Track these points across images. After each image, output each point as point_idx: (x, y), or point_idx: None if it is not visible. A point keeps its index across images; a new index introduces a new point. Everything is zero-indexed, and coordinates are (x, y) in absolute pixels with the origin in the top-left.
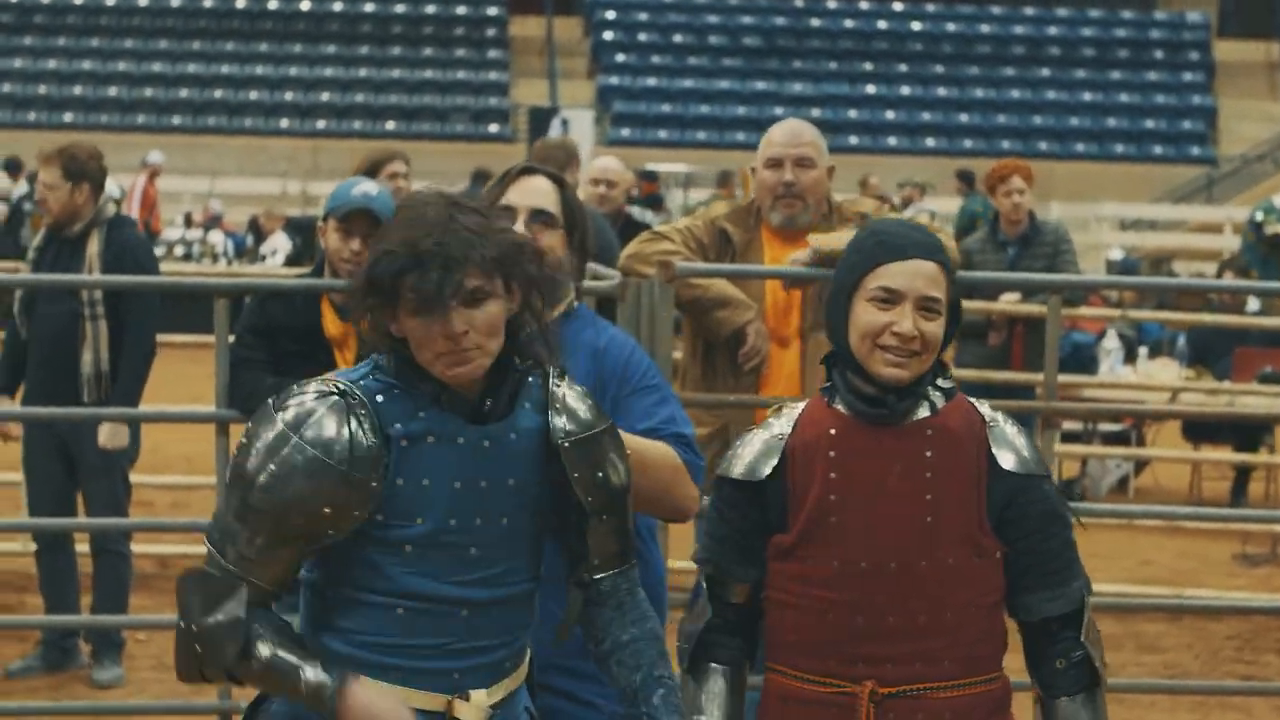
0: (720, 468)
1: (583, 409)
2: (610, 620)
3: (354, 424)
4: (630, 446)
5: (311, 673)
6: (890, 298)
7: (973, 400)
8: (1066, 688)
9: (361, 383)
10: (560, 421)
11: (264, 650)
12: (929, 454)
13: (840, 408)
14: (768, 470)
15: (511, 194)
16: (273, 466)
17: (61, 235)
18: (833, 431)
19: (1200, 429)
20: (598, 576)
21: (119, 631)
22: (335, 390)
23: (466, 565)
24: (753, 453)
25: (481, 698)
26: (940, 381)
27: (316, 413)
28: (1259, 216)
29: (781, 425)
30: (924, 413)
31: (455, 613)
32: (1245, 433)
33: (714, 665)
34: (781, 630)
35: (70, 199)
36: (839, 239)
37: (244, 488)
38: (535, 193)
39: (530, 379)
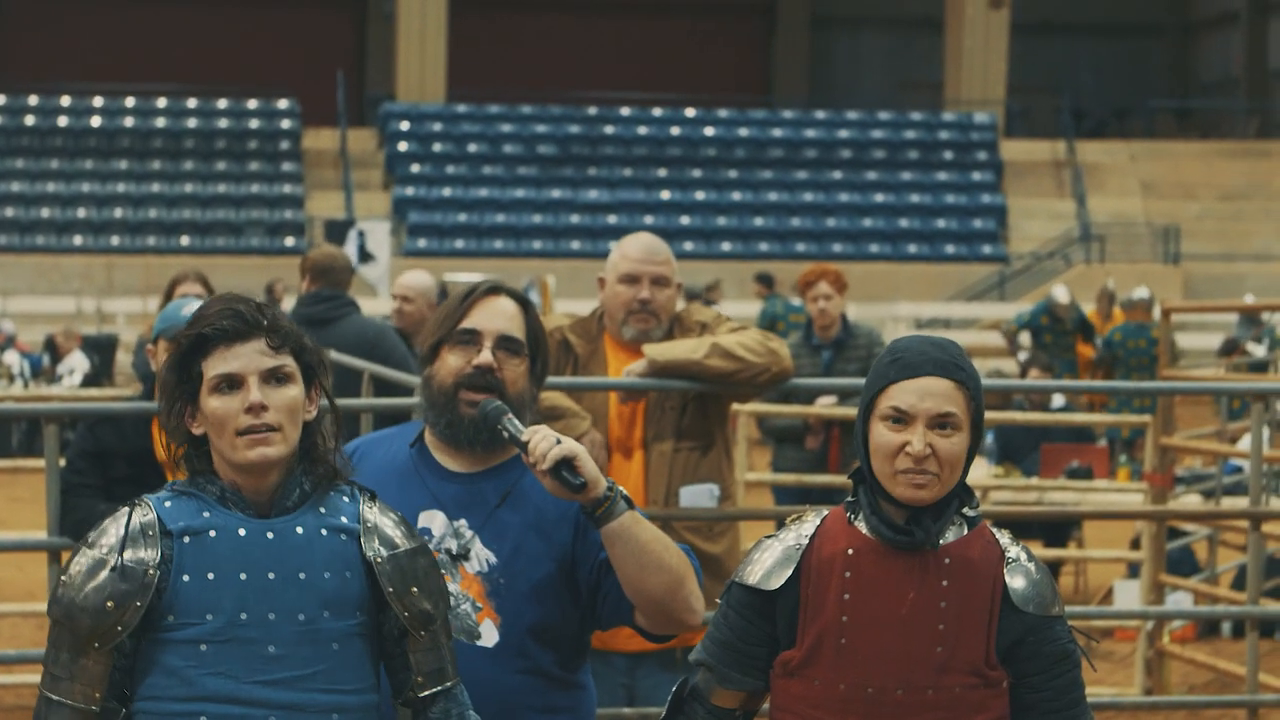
0: (736, 572)
1: (390, 527)
2: None
3: (133, 524)
4: (654, 538)
5: None
6: (901, 417)
7: (996, 531)
8: None
9: (155, 495)
10: (372, 541)
11: None
12: (945, 583)
13: (861, 526)
14: (781, 581)
15: (476, 316)
16: (65, 579)
17: None
18: (850, 551)
19: (1010, 525)
20: (423, 694)
21: None
22: (128, 504)
23: (267, 664)
24: (771, 559)
25: None
26: (965, 510)
27: (103, 524)
28: (1011, 325)
29: (800, 535)
30: (947, 539)
31: (262, 717)
32: (1053, 528)
33: None
34: None
35: None
36: (674, 349)
37: (50, 609)
38: (501, 316)
39: (336, 491)
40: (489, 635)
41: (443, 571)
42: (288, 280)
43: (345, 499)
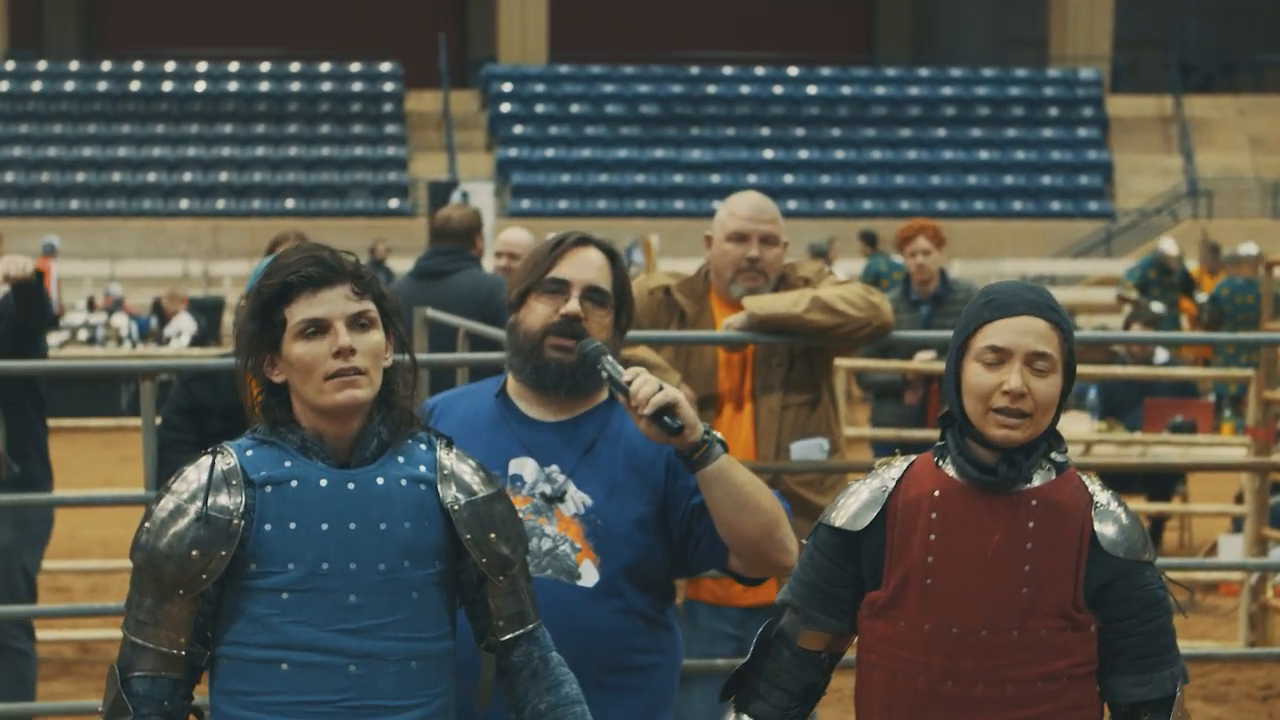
0: (823, 514)
1: (468, 473)
2: (527, 689)
3: (217, 472)
4: (749, 480)
5: None
6: (998, 357)
7: (1084, 477)
8: None
9: (236, 443)
10: (449, 488)
11: None
12: (1031, 525)
13: (949, 469)
14: (867, 522)
15: (564, 266)
16: (148, 525)
17: None
18: (937, 493)
19: (1114, 480)
20: (504, 639)
21: None
22: (209, 452)
23: (347, 613)
24: (857, 503)
25: None
26: (1054, 454)
27: (185, 470)
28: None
29: (886, 479)
30: (1033, 482)
31: (342, 666)
32: (1158, 483)
33: (743, 715)
34: (872, 693)
35: None
36: (775, 302)
37: (133, 554)
38: (589, 267)
39: (414, 439)
40: (589, 575)
41: (538, 515)
42: (390, 242)
43: (423, 447)
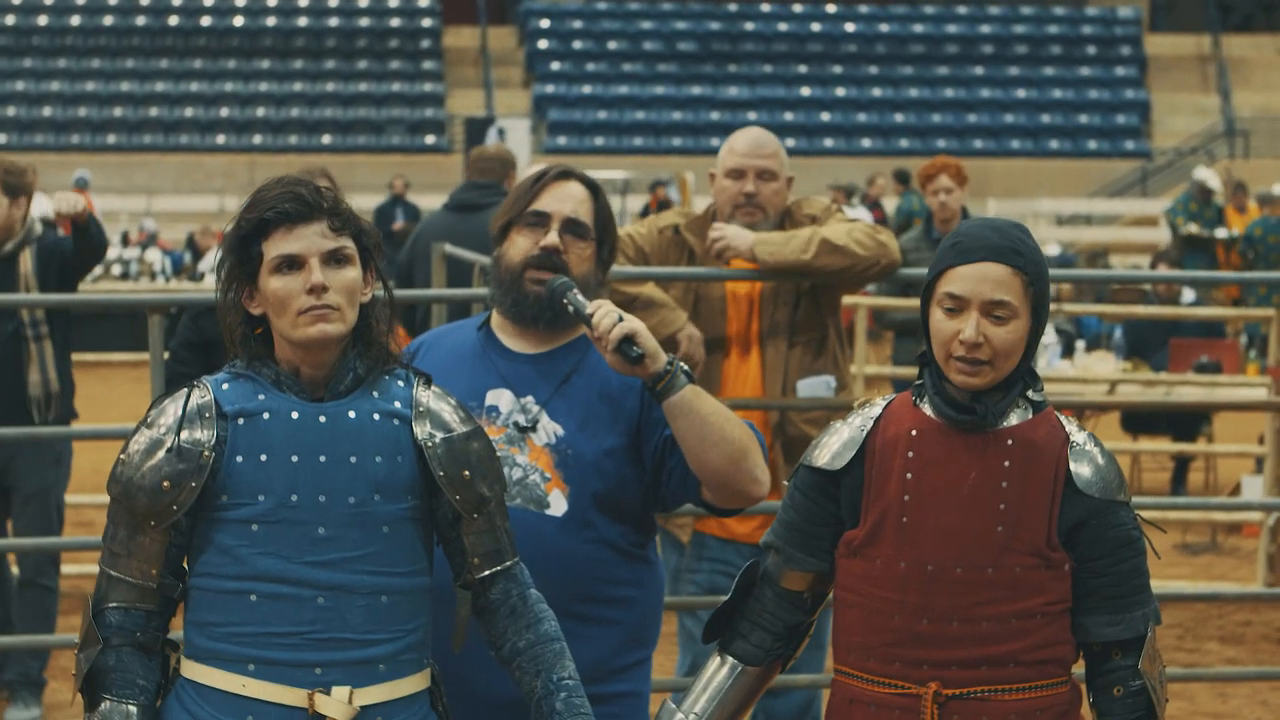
0: (804, 455)
1: (446, 412)
2: (505, 627)
3: (191, 404)
4: (715, 410)
5: None
6: (956, 305)
7: (1061, 416)
8: (1122, 715)
9: (213, 377)
10: (424, 424)
11: (96, 718)
12: (1007, 464)
13: (926, 409)
14: (845, 462)
15: (545, 199)
16: (124, 457)
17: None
18: (914, 432)
19: (1139, 420)
20: (480, 576)
21: (39, 669)
22: (187, 385)
23: (316, 545)
24: (837, 442)
25: (344, 694)
26: (1030, 393)
27: (163, 404)
28: (1172, 219)
29: (865, 419)
30: (1009, 422)
31: (310, 598)
32: (1183, 423)
33: (726, 655)
34: (848, 631)
35: (8, 215)
36: (783, 249)
37: (109, 486)
38: (570, 199)
39: (391, 375)
40: (558, 505)
41: (510, 445)
42: (427, 178)
43: (400, 383)
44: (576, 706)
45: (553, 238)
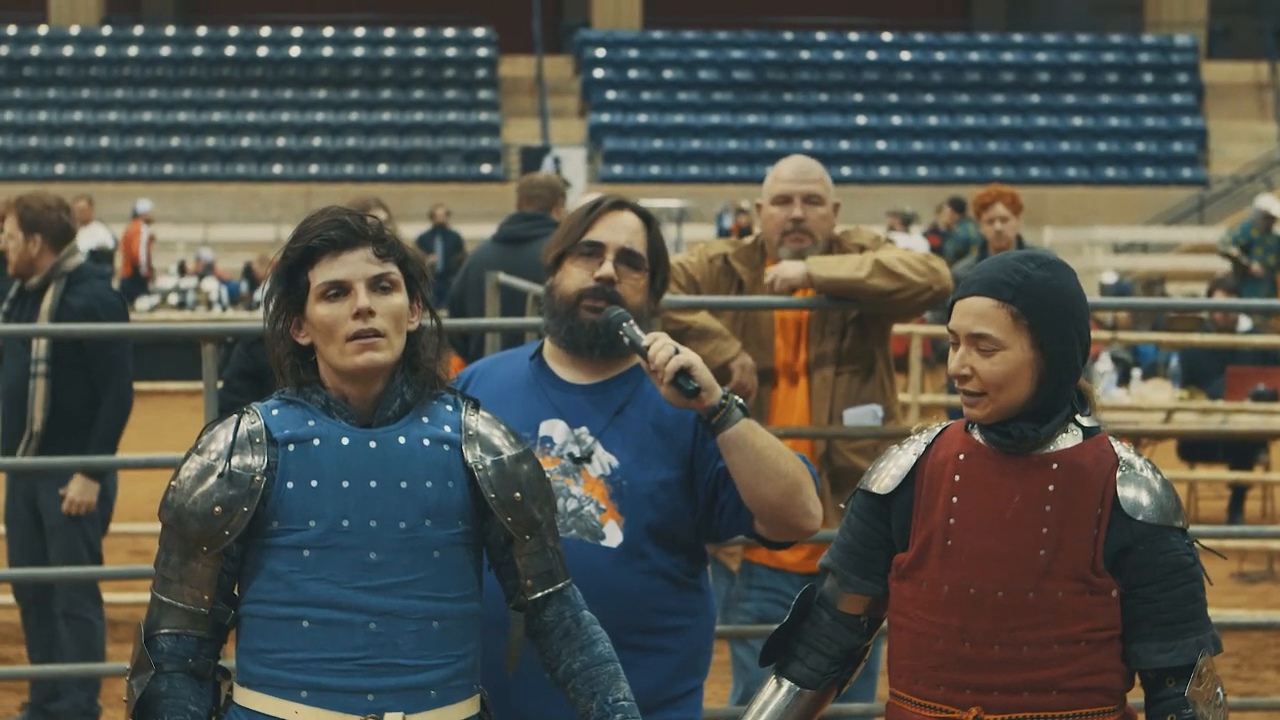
0: (862, 479)
1: (496, 436)
2: (560, 648)
3: (242, 431)
4: (770, 444)
5: None
6: (953, 339)
7: (1115, 441)
8: None
9: (263, 404)
10: (474, 448)
11: None
12: (1051, 488)
13: (976, 434)
14: (897, 485)
15: (600, 230)
16: (175, 484)
17: (26, 287)
18: (961, 456)
19: (1195, 449)
20: (534, 598)
21: (87, 700)
22: (238, 412)
23: (367, 570)
24: (893, 467)
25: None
26: (1081, 418)
27: (214, 430)
28: (1223, 243)
29: (919, 444)
30: (1057, 446)
31: (362, 624)
32: (1240, 451)
33: (782, 679)
34: (899, 654)
35: (25, 249)
36: (837, 267)
37: (161, 512)
38: (624, 230)
39: (439, 401)
40: (613, 536)
41: (565, 476)
42: (467, 206)
43: (449, 408)
44: None
45: (608, 268)
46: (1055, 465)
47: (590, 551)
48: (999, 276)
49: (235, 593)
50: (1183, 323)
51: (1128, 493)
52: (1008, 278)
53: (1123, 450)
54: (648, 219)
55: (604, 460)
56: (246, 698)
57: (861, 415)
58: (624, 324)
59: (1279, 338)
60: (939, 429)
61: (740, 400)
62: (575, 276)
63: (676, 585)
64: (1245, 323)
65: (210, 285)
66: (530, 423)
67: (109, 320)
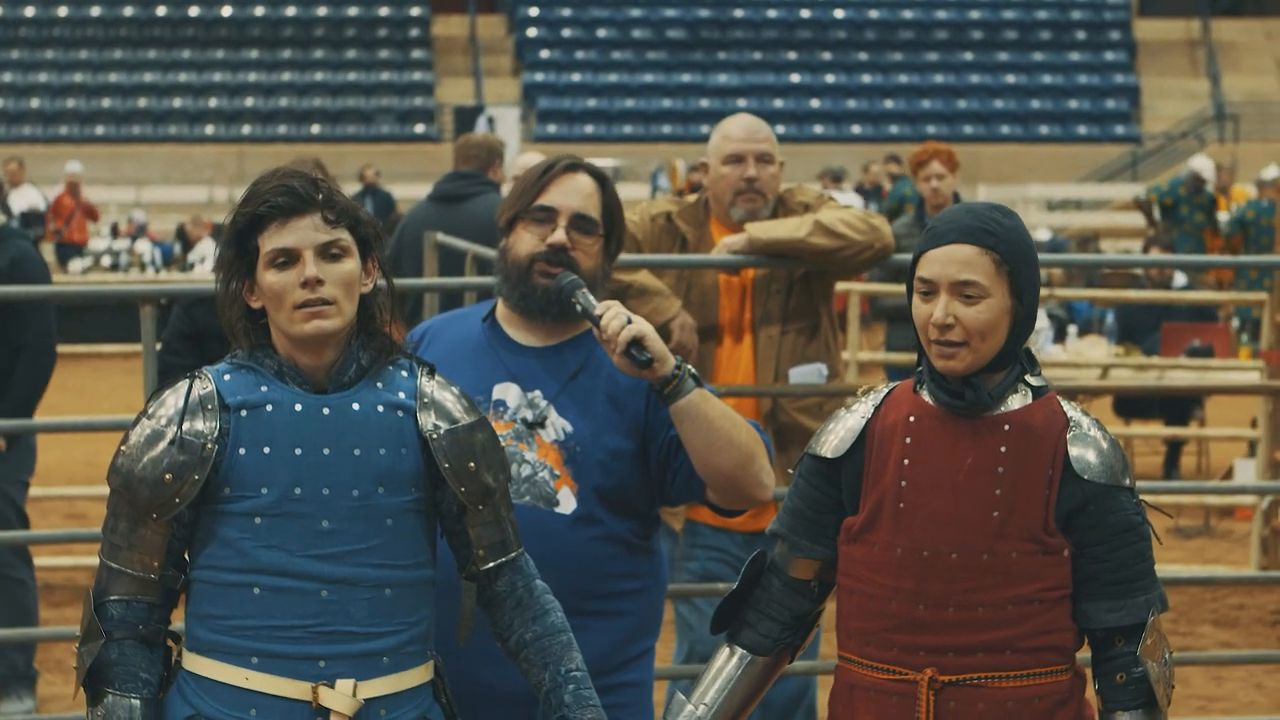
0: (810, 443)
1: (450, 402)
2: (512, 618)
3: (193, 396)
4: (722, 414)
5: None
6: (928, 288)
7: (1065, 402)
8: (1124, 702)
9: (215, 367)
10: (429, 415)
11: (100, 711)
12: (1003, 449)
13: (925, 395)
14: (847, 448)
15: (553, 194)
16: (124, 449)
17: None
18: (912, 418)
19: (1131, 405)
20: (486, 567)
21: (25, 662)
22: (187, 376)
23: (319, 538)
24: (841, 430)
25: (348, 687)
26: (1029, 378)
27: (163, 394)
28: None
29: (867, 406)
30: (1008, 406)
31: (314, 591)
32: (1175, 407)
33: (735, 647)
34: (849, 617)
35: None
36: (776, 228)
37: (109, 477)
38: (577, 194)
39: (395, 366)
40: (567, 502)
41: (518, 441)
42: (400, 166)
43: (404, 374)
44: (585, 699)
45: (560, 235)
46: (1007, 426)
47: (544, 518)
48: (977, 225)
49: (185, 558)
50: (1117, 279)
51: (1077, 453)
52: (986, 225)
53: (1071, 410)
54: (603, 180)
55: (558, 425)
56: (196, 663)
57: (807, 374)
58: (576, 291)
59: (1214, 294)
60: (886, 390)
61: (693, 371)
62: (528, 241)
63: (630, 550)
64: (1180, 279)
65: (143, 247)
66: (483, 386)
67: (32, 281)
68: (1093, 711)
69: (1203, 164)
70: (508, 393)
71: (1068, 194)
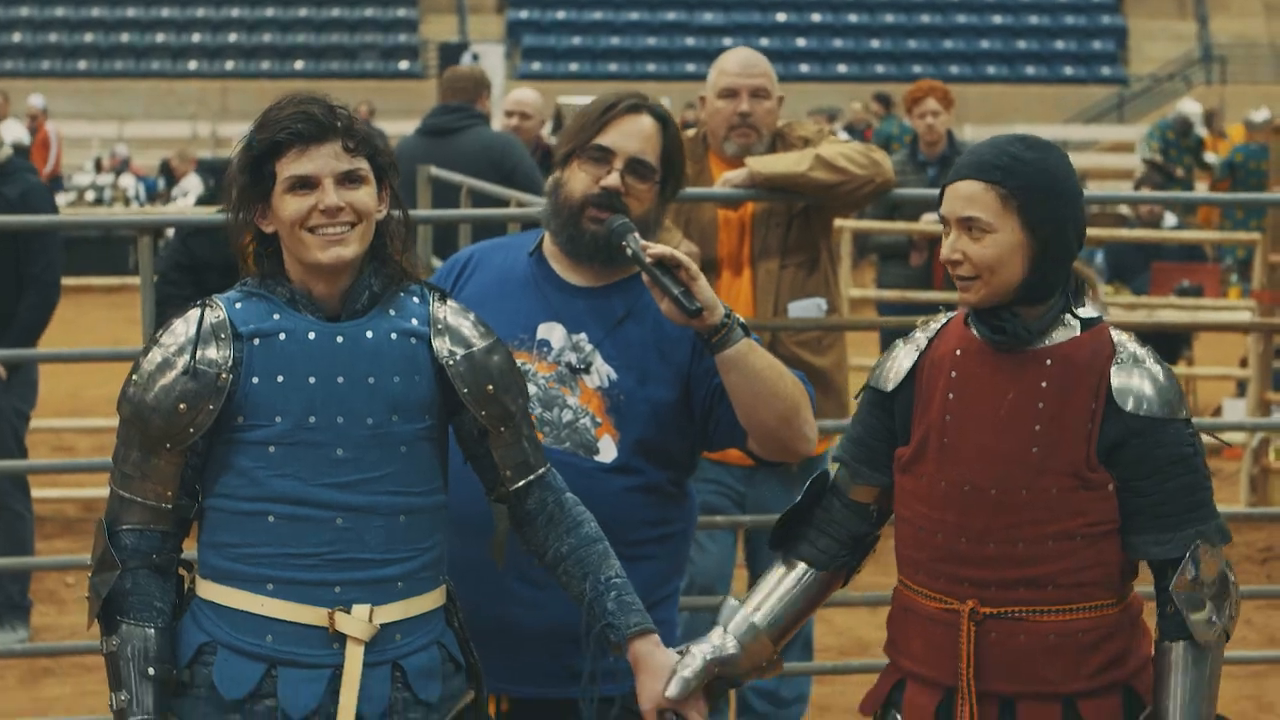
0: (870, 376)
1: (465, 327)
2: (546, 534)
3: (205, 325)
4: (769, 365)
5: (126, 701)
6: (944, 223)
7: (1118, 332)
8: (1168, 633)
9: (225, 295)
10: (443, 341)
11: (114, 640)
12: (1044, 384)
13: (973, 329)
14: (899, 380)
15: (612, 134)
16: (135, 378)
17: None
18: (959, 351)
19: None
20: (514, 488)
21: (20, 593)
22: (198, 304)
23: (334, 466)
24: (894, 361)
25: (364, 612)
26: (1080, 310)
27: (173, 323)
28: (1144, 150)
29: (922, 338)
30: (1053, 340)
31: (329, 519)
32: (1164, 347)
33: (793, 561)
34: (903, 545)
35: None
36: (777, 162)
37: (120, 407)
38: (637, 137)
39: (406, 293)
40: (607, 451)
41: (561, 385)
42: (384, 102)
43: (415, 300)
44: (629, 604)
45: (614, 179)
46: (1049, 361)
47: (583, 466)
48: (988, 159)
49: (197, 486)
50: (1106, 219)
51: (1121, 385)
52: (996, 159)
53: (1123, 341)
54: (665, 122)
55: (602, 372)
56: (211, 591)
57: (806, 308)
58: (627, 235)
59: (1204, 233)
60: (943, 321)
61: (741, 320)
62: (581, 180)
63: (665, 498)
64: (1170, 219)
65: (127, 182)
66: (528, 323)
67: (40, 209)
68: (1151, 644)
69: (1191, 107)
70: (552, 333)
71: (1054, 134)
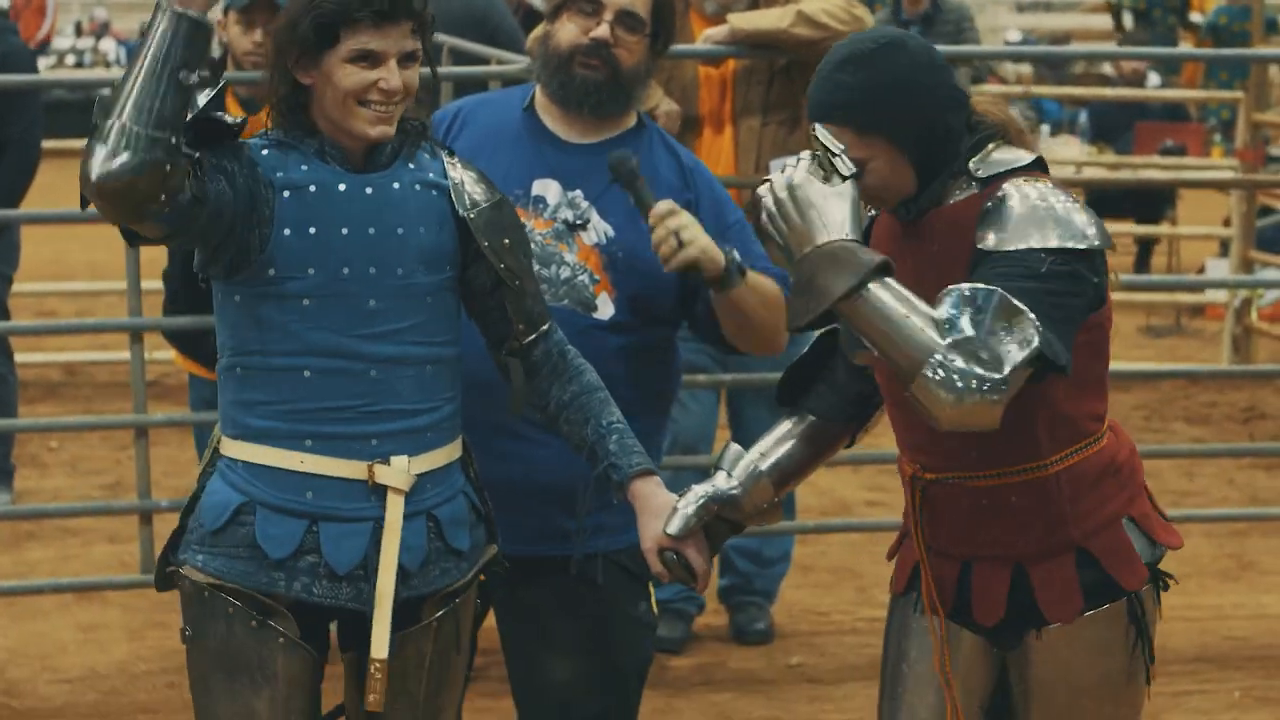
0: None
1: (473, 182)
2: (549, 385)
3: (237, 166)
4: (760, 303)
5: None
6: None
7: (1012, 181)
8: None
9: (250, 141)
10: (461, 196)
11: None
12: (935, 248)
13: None
14: None
15: None
16: None
17: None
18: (874, 223)
19: (1103, 203)
20: (526, 341)
21: (5, 456)
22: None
23: (367, 318)
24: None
25: (403, 463)
26: (974, 167)
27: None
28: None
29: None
30: (949, 202)
31: (364, 371)
32: (1147, 207)
33: (800, 412)
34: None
35: None
36: (759, 18)
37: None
38: None
39: (417, 146)
40: (604, 308)
41: (558, 241)
42: None
43: (428, 156)
44: (630, 446)
45: (603, 30)
46: (935, 224)
47: (581, 322)
48: (824, 99)
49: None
50: (1089, 80)
51: (982, 229)
52: (831, 97)
53: (1010, 187)
54: None
55: (600, 229)
56: (245, 450)
57: None
58: (635, 181)
59: (1187, 92)
60: None
61: (739, 260)
62: (570, 31)
63: (658, 354)
64: (1154, 78)
65: (107, 46)
66: (522, 179)
67: (21, 71)
68: (1118, 504)
69: None
70: (547, 189)
71: None
